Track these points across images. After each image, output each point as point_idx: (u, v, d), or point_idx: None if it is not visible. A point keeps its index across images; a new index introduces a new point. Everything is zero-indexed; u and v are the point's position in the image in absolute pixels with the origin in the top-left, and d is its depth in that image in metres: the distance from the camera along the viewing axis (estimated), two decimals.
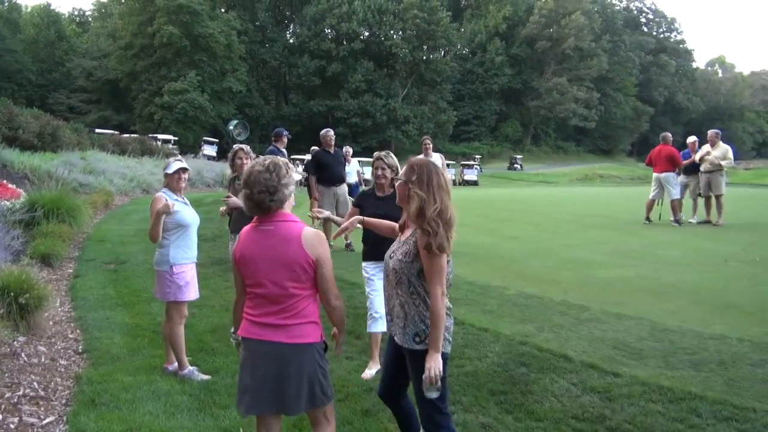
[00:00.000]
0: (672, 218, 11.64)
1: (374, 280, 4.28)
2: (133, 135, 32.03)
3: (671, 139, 12.09)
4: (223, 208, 5.36)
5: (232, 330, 2.92)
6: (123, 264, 7.96)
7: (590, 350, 4.64)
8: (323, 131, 9.11)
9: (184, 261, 4.19)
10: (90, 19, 72.80)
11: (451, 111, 62.38)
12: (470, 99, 67.84)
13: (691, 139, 12.50)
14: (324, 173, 8.80)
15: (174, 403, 3.79)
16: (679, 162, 11.76)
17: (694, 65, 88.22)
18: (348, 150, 11.36)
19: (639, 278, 7.18)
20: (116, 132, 33.21)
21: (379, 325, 4.29)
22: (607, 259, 8.38)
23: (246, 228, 2.62)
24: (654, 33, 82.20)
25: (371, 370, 4.28)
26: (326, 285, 2.58)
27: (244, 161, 5.42)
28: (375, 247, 4.05)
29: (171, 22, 48.37)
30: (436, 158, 8.71)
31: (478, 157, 55.68)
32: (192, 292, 4.28)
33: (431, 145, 9.35)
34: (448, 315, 2.68)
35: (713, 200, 11.62)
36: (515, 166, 56.48)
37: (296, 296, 2.51)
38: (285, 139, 8.67)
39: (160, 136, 37.88)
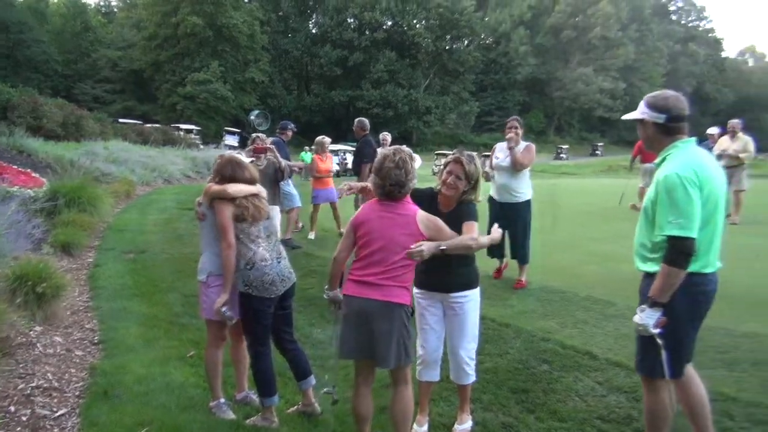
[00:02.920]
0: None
1: (425, 315, 3.39)
2: (155, 125, 32.26)
3: None
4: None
5: (326, 287, 3.16)
6: (142, 253, 7.97)
7: (616, 348, 4.49)
8: None
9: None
10: (115, 10, 73.52)
11: (473, 102, 61.63)
12: (493, 89, 66.99)
13: (712, 130, 11.84)
14: None
15: (188, 396, 3.74)
16: None
17: (724, 55, 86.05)
18: (385, 137, 10.12)
19: None
20: (139, 122, 33.49)
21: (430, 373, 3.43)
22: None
23: (370, 202, 3.06)
24: (682, 21, 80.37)
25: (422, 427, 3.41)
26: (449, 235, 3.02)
27: None
28: (432, 271, 3.22)
29: (194, 12, 48.53)
30: (522, 146, 6.62)
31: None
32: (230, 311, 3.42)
33: (520, 130, 6.69)
34: (253, 267, 3.33)
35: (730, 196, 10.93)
36: (561, 156, 55.27)
37: (399, 262, 2.91)
38: (290, 132, 9.03)
39: (183, 126, 38.14)
